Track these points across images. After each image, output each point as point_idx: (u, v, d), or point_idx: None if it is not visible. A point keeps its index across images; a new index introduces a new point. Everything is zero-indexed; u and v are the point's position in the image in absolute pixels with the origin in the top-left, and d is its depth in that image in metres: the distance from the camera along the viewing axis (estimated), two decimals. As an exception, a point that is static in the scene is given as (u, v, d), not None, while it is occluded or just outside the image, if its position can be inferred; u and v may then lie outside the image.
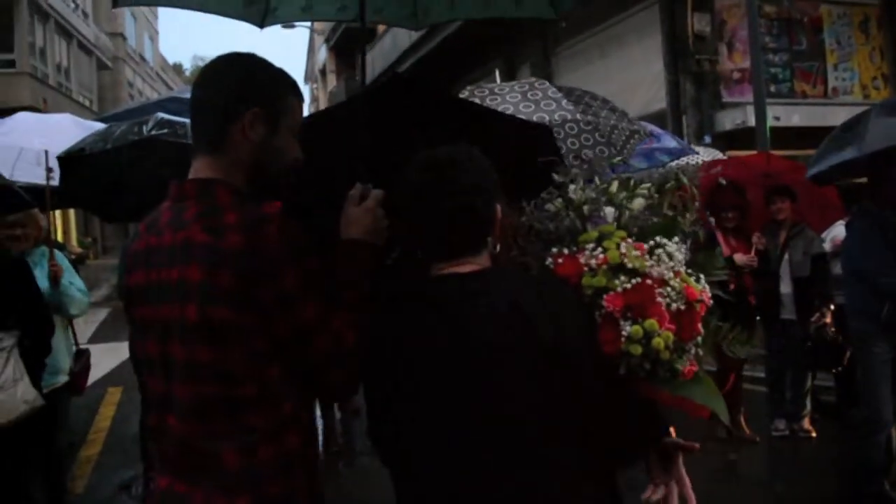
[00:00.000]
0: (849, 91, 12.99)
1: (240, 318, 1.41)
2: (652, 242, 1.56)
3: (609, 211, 1.64)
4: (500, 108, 3.99)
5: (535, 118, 3.95)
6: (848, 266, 4.33)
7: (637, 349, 1.45)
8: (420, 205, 1.53)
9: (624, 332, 1.47)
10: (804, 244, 5.53)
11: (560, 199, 1.69)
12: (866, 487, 4.20)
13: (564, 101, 4.16)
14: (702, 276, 1.59)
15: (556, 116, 4.03)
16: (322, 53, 38.22)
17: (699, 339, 1.53)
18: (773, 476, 5.18)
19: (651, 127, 7.74)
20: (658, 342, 1.44)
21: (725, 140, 11.48)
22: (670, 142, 7.38)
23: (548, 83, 4.50)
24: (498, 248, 1.57)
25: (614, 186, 1.69)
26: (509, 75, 16.49)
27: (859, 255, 4.17)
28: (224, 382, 1.44)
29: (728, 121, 11.62)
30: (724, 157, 7.95)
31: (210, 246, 1.42)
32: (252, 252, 1.40)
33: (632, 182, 1.71)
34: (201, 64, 44.17)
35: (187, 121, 3.23)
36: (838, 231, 5.56)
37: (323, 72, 40.00)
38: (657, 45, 12.47)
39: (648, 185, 1.67)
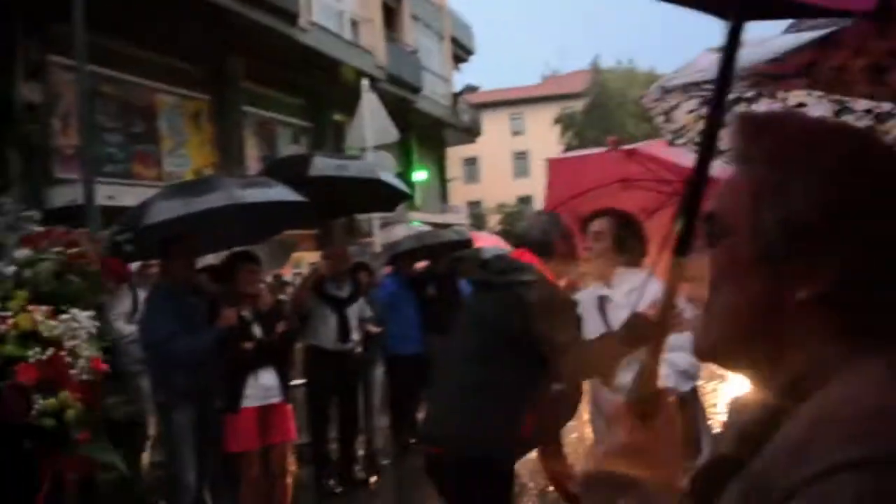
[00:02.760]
0: (182, 176, 13.97)
1: None
2: (62, 308, 1.57)
3: (10, 270, 1.56)
4: None
5: None
6: (144, 339, 4.61)
7: (51, 422, 1.43)
8: None
9: (37, 406, 1.42)
10: None
11: None
12: None
13: None
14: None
15: None
16: None
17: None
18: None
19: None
20: (70, 414, 1.44)
21: (58, 217, 11.12)
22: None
23: None
24: None
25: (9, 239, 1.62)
26: None
27: (153, 327, 4.47)
28: None
29: (60, 197, 11.32)
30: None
31: None
32: None
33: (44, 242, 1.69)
34: None
35: None
36: None
37: None
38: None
39: (58, 248, 1.67)
